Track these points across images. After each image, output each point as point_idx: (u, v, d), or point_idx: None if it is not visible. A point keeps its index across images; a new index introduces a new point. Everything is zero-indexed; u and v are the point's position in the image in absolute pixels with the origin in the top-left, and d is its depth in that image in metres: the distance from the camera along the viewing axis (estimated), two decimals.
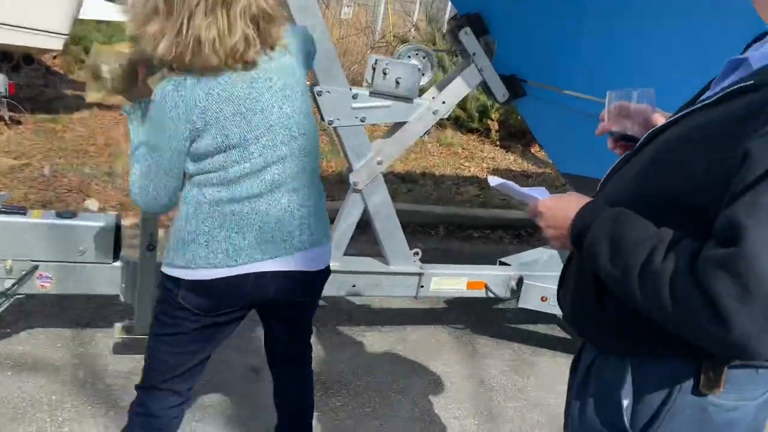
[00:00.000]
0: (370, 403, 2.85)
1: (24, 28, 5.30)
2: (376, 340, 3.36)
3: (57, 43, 5.56)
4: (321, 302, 3.48)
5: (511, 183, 1.36)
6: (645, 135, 1.25)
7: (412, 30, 11.93)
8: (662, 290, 0.99)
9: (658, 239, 1.03)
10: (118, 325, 2.64)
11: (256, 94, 1.61)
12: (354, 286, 3.01)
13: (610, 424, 1.20)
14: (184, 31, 1.51)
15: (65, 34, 5.52)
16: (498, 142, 8.08)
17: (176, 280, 1.69)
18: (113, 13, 6.07)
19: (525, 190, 1.33)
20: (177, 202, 1.70)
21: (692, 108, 1.14)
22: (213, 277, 1.65)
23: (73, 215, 2.52)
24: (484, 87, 2.95)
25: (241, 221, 1.65)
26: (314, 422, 2.28)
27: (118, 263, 2.60)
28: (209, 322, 1.72)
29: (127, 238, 3.03)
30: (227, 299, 1.70)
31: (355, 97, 2.69)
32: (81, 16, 5.74)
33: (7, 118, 5.47)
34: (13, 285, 2.47)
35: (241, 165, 1.63)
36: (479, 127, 8.24)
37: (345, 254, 3.00)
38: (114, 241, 2.56)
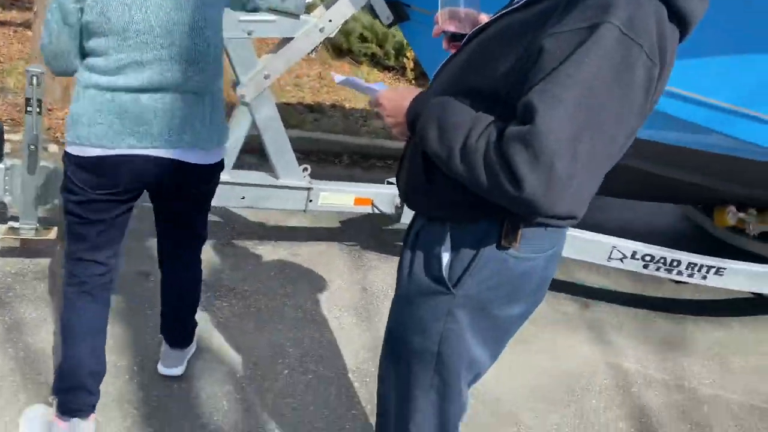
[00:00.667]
0: (256, 304, 3.05)
1: None
2: (267, 252, 3.54)
3: None
4: (215, 218, 3.63)
5: (354, 78, 1.55)
6: (467, 37, 1.47)
7: None
8: (477, 162, 1.20)
9: (474, 122, 1.24)
10: (3, 226, 2.69)
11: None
12: (243, 198, 3.16)
13: (434, 277, 1.44)
14: None
15: None
16: (413, 81, 8.26)
17: (68, 155, 1.87)
18: None
19: (367, 84, 1.52)
20: (72, 68, 1.86)
21: (505, 11, 1.36)
22: (91, 155, 1.82)
23: None
24: (370, 9, 3.10)
25: (119, 108, 1.79)
26: (198, 317, 2.47)
27: (1, 166, 2.63)
28: (93, 197, 1.87)
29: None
30: (105, 178, 1.85)
31: None
32: None
33: None
34: None
35: (118, 54, 1.77)
36: (395, 65, 8.36)
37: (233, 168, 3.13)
38: None
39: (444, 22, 1.54)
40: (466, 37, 1.45)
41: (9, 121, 4.30)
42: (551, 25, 1.19)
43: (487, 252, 1.37)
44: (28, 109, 2.50)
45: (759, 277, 3.60)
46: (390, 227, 4.17)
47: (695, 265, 3.47)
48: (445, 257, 1.41)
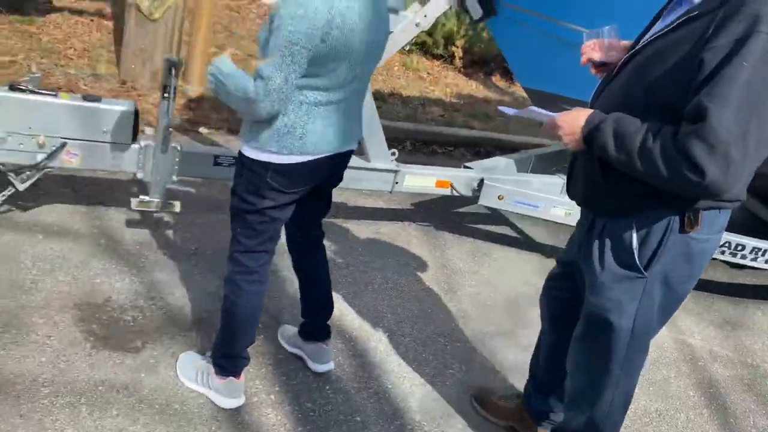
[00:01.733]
0: (351, 275, 3.34)
1: None
2: (354, 230, 3.82)
3: None
4: None
5: (529, 109, 1.85)
6: (623, 57, 1.74)
7: None
8: (657, 160, 1.48)
9: (647, 128, 1.52)
10: (134, 200, 3.00)
11: (376, 16, 1.91)
12: None
13: (627, 264, 1.72)
14: None
15: None
16: (461, 69, 8.45)
17: (265, 164, 1.99)
18: None
19: (541, 110, 1.79)
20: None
21: (656, 34, 1.62)
22: (298, 161, 1.99)
23: (98, 99, 2.84)
24: (461, 4, 3.33)
25: (331, 119, 1.99)
26: None
27: (136, 145, 2.94)
28: (287, 199, 2.09)
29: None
30: (305, 179, 2.07)
31: None
32: None
33: None
34: (45, 158, 2.80)
35: (336, 72, 1.90)
36: (444, 53, 8.57)
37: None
38: (133, 124, 2.89)
39: (590, 51, 1.83)
40: (622, 60, 1.71)
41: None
42: (707, 40, 1.44)
43: (672, 237, 1.64)
44: (165, 95, 2.80)
45: None
46: (458, 209, 4.43)
47: (759, 249, 3.65)
48: (635, 245, 1.68)
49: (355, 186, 3.55)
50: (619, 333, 1.78)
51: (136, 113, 2.91)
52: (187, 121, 4.79)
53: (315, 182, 2.12)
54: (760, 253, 3.67)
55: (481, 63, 8.56)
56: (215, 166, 3.15)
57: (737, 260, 3.73)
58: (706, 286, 4.13)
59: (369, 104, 3.33)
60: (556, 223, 3.79)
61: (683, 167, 1.43)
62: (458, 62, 8.43)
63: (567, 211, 3.66)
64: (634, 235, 1.68)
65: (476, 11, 3.35)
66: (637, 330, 1.78)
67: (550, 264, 3.95)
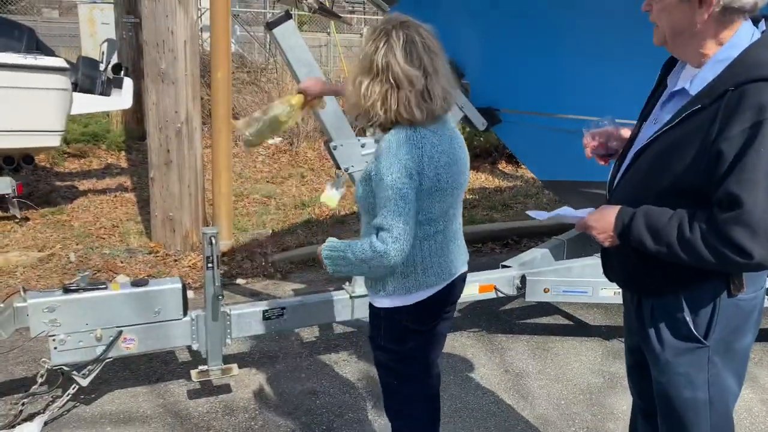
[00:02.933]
0: None
1: (23, 131, 5.70)
2: None
3: (54, 140, 5.95)
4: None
5: (559, 211, 1.92)
6: (630, 150, 1.82)
7: None
8: (700, 249, 1.55)
9: (679, 217, 1.60)
10: (194, 372, 3.03)
11: (456, 148, 2.03)
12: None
13: (686, 337, 1.74)
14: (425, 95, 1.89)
15: (61, 131, 5.92)
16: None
17: (398, 309, 2.04)
18: (99, 105, 6.48)
19: (574, 212, 1.87)
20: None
21: (663, 129, 1.69)
22: (427, 296, 2.04)
23: (145, 282, 2.94)
24: (466, 120, 3.49)
25: (445, 247, 2.06)
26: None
27: (187, 317, 3.01)
28: (428, 337, 2.14)
29: None
30: (437, 309, 2.11)
31: (363, 146, 3.20)
32: (72, 112, 6.14)
33: (19, 216, 5.83)
34: (104, 350, 2.86)
35: (438, 206, 1.99)
36: None
37: None
38: (182, 298, 2.98)
39: (592, 143, 1.97)
40: (633, 153, 1.79)
41: (148, 278, 4.78)
42: (717, 132, 1.53)
43: (723, 302, 1.70)
44: (209, 265, 2.91)
45: None
46: (505, 307, 4.40)
47: None
48: (689, 318, 1.72)
49: None
50: (697, 406, 1.78)
51: (184, 287, 3.00)
52: (223, 275, 4.90)
53: (444, 310, 2.15)
54: None
55: (484, 154, 8.80)
56: (265, 320, 3.20)
57: None
58: None
59: None
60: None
61: (729, 252, 1.52)
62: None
63: (615, 291, 3.63)
64: (686, 308, 1.72)
65: (480, 123, 3.51)
66: (715, 399, 1.77)
67: (612, 346, 3.92)
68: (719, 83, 1.57)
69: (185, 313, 3.01)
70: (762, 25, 1.66)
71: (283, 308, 3.22)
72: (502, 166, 8.62)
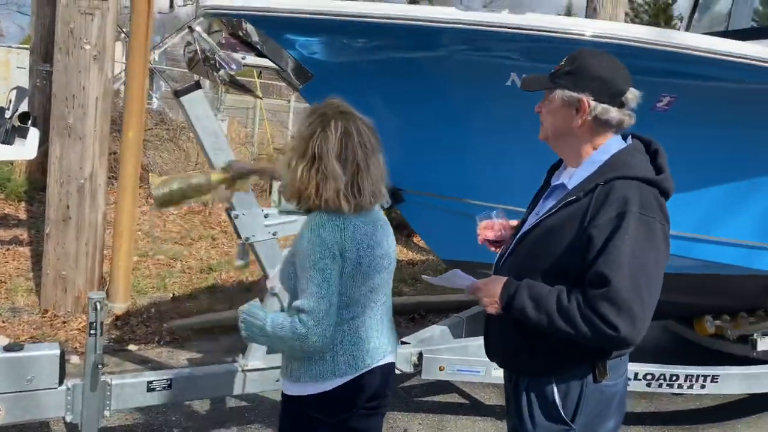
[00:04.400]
0: None
1: None
2: None
3: None
4: (246, 402, 3.79)
5: (449, 275, 1.99)
6: (516, 235, 2.00)
7: (290, 139, 12.69)
8: (576, 319, 1.69)
9: (558, 290, 1.74)
10: None
11: (380, 231, 1.98)
12: (277, 380, 3.38)
13: (555, 419, 1.84)
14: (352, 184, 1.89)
15: None
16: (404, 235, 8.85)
17: (303, 398, 1.94)
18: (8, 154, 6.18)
19: (463, 276, 1.95)
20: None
21: (543, 216, 1.88)
22: (339, 384, 1.92)
23: (20, 347, 2.76)
24: None
25: (359, 334, 1.95)
26: None
27: (63, 387, 2.83)
28: (342, 425, 1.97)
29: None
30: (352, 398, 1.96)
31: (266, 216, 3.21)
32: None
33: None
34: None
35: (360, 289, 1.92)
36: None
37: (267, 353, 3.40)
38: (59, 367, 2.81)
39: (485, 231, 2.13)
40: (514, 238, 1.96)
41: (28, 339, 4.48)
42: (588, 220, 1.73)
43: (589, 388, 1.83)
44: (92, 332, 2.77)
45: (751, 378, 3.93)
46: (404, 384, 4.40)
47: (692, 376, 3.79)
48: (558, 401, 1.83)
49: None
50: None
51: (62, 354, 2.84)
52: (114, 341, 4.67)
53: (363, 404, 2.00)
54: (694, 380, 3.80)
55: (400, 227, 8.96)
56: (149, 392, 3.05)
57: (675, 390, 3.84)
58: (654, 419, 4.19)
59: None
60: None
61: (599, 324, 1.66)
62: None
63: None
64: (556, 390, 1.83)
65: (385, 201, 3.60)
66: None
67: (503, 426, 3.95)
68: (591, 179, 1.81)
69: (61, 382, 2.83)
70: (629, 140, 1.92)
71: (169, 380, 3.09)
72: (417, 239, 8.80)
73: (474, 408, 4.19)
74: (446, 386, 4.41)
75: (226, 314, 5.33)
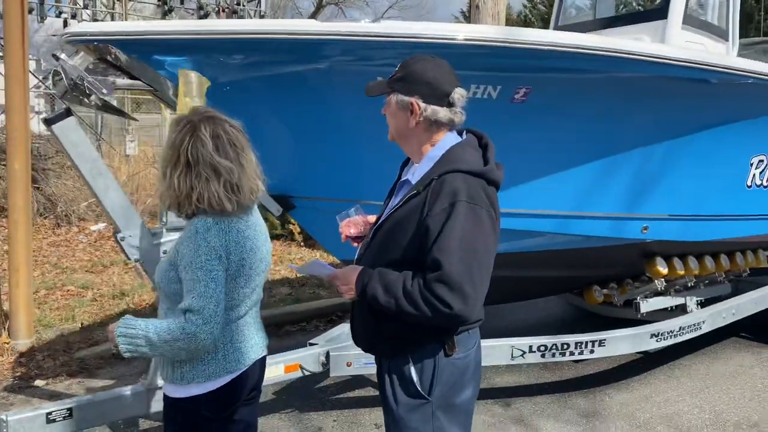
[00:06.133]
0: None
1: None
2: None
3: None
4: None
5: (311, 264, 2.14)
6: (372, 228, 2.16)
7: None
8: (418, 300, 1.85)
9: (404, 276, 1.91)
10: None
11: (259, 235, 2.09)
12: None
13: (413, 394, 2.00)
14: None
15: None
16: (302, 243, 8.89)
17: (194, 398, 1.99)
18: None
19: (325, 265, 2.12)
20: None
21: (393, 209, 2.06)
22: (228, 381, 2.03)
23: None
24: (261, 206, 3.66)
25: (244, 332, 2.08)
26: None
27: None
28: (229, 418, 2.06)
29: None
30: (238, 392, 2.07)
31: (154, 235, 3.24)
32: None
33: None
34: None
35: (244, 290, 2.03)
36: (283, 232, 9.01)
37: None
38: None
39: (346, 229, 2.27)
40: (371, 232, 2.12)
41: None
42: (426, 211, 1.91)
43: (442, 362, 1.99)
44: None
45: (636, 338, 4.27)
46: (320, 384, 4.51)
47: (581, 343, 4.08)
48: (415, 377, 1.99)
49: None
50: None
51: None
52: (20, 378, 4.55)
53: (244, 396, 2.11)
54: (584, 346, 4.09)
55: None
56: (49, 424, 3.03)
57: (568, 358, 4.12)
58: (558, 387, 4.48)
59: None
60: None
61: (436, 304, 1.84)
62: (298, 236, 8.86)
63: None
64: (412, 368, 1.99)
65: (275, 209, 3.70)
66: None
67: None
68: (429, 174, 1.99)
69: None
70: (464, 135, 2.11)
71: (69, 409, 3.07)
72: None
73: None
74: (360, 381, 4.54)
75: None
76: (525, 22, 24.71)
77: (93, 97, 2.99)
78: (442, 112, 1.99)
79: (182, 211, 2.02)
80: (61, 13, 17.33)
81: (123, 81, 3.10)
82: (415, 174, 2.05)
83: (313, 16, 27.61)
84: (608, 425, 3.95)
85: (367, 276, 1.97)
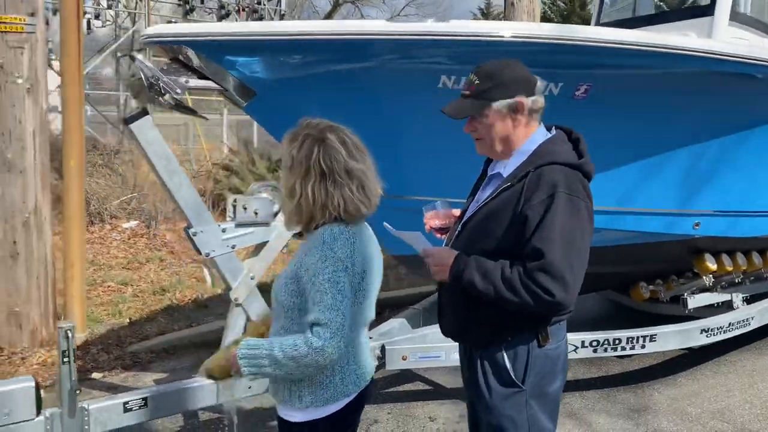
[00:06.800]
0: None
1: None
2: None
3: None
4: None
5: (411, 233, 2.13)
6: (459, 221, 2.21)
7: (227, 153, 12.66)
8: (518, 288, 1.91)
9: (502, 263, 1.96)
10: None
11: (374, 249, 2.02)
12: (250, 387, 3.51)
13: (508, 383, 2.05)
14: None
15: None
16: None
17: (312, 423, 1.93)
18: None
19: (420, 238, 2.12)
20: None
21: (484, 202, 2.11)
22: (346, 403, 1.96)
23: None
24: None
25: (359, 353, 2.01)
26: None
27: (41, 417, 2.88)
28: None
29: None
30: (353, 415, 2.04)
31: (224, 230, 3.33)
32: None
33: None
34: None
35: (362, 305, 1.97)
36: None
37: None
38: (35, 397, 2.85)
39: (431, 221, 2.33)
40: (461, 223, 2.17)
41: None
42: (522, 202, 1.97)
43: (535, 352, 2.05)
44: (64, 360, 2.83)
45: (684, 334, 4.31)
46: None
47: (633, 338, 4.13)
48: (509, 366, 2.05)
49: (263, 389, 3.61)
50: None
51: (37, 385, 2.88)
52: (78, 371, 4.64)
53: (357, 418, 2.08)
54: (635, 341, 4.14)
55: None
56: (126, 413, 3.12)
57: (619, 353, 4.17)
58: (606, 382, 4.52)
59: (263, 307, 3.53)
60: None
61: (538, 292, 1.89)
62: None
63: None
64: (506, 357, 2.06)
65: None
66: None
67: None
68: (522, 167, 2.05)
69: (38, 413, 2.88)
70: (553, 131, 2.17)
71: (144, 398, 3.17)
72: None
73: (438, 392, 4.41)
74: (410, 376, 4.62)
75: (186, 332, 5.39)
76: (544, 18, 24.65)
77: (167, 97, 3.07)
78: (540, 100, 2.09)
79: (313, 224, 1.96)
80: (85, 13, 17.54)
81: (195, 81, 3.18)
82: (506, 168, 2.11)
83: (330, 14, 27.69)
84: (660, 420, 3.99)
85: (462, 262, 2.01)
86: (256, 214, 3.40)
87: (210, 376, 2.11)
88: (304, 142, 1.95)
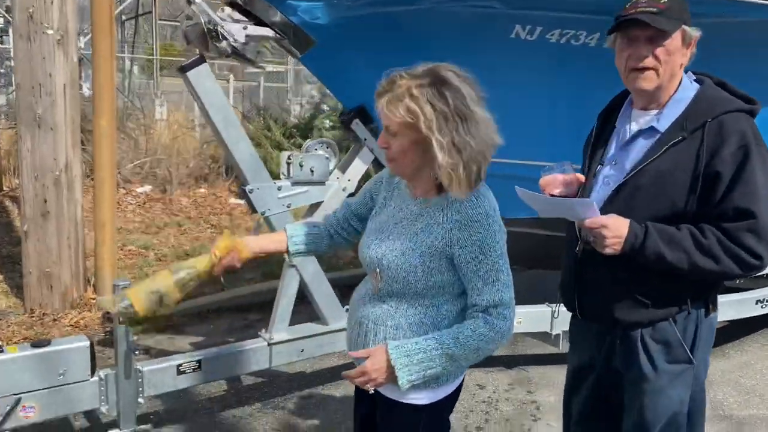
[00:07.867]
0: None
1: None
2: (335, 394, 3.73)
3: None
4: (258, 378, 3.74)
5: (565, 200, 1.90)
6: (614, 187, 1.87)
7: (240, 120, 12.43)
8: (718, 253, 1.71)
9: (688, 228, 1.74)
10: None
11: None
12: (302, 350, 3.40)
13: (679, 360, 1.85)
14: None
15: None
16: None
17: (441, 402, 1.75)
18: None
19: (589, 207, 1.79)
20: None
21: (648, 161, 1.81)
22: (461, 380, 1.83)
23: (47, 343, 2.67)
24: (377, 163, 3.57)
25: None
26: None
27: (95, 378, 2.77)
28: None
29: None
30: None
31: (279, 188, 3.17)
32: None
33: None
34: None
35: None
36: None
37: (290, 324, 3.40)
38: (90, 357, 2.74)
39: (551, 188, 1.99)
40: (615, 188, 1.87)
41: (22, 341, 4.31)
42: (707, 157, 1.74)
43: (703, 323, 1.87)
44: (121, 320, 2.71)
45: (741, 304, 4.20)
46: None
47: None
48: (681, 340, 1.85)
49: (319, 353, 3.51)
50: (683, 421, 1.91)
51: (91, 345, 2.76)
52: (111, 333, 4.54)
53: None
54: None
55: None
56: (180, 375, 3.02)
57: None
58: None
59: (317, 271, 3.40)
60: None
61: (742, 255, 1.71)
62: None
63: (518, 320, 3.83)
64: (676, 332, 1.85)
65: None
66: (693, 413, 1.92)
67: (518, 374, 4.07)
68: (690, 117, 1.78)
69: (93, 373, 2.76)
70: (692, 76, 1.89)
71: (198, 361, 3.06)
72: None
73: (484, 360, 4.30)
74: None
75: (217, 296, 5.27)
76: None
77: (224, 43, 2.89)
78: (696, 31, 1.79)
79: (471, 175, 1.61)
80: None
81: (253, 28, 2.99)
82: (661, 121, 1.83)
83: None
84: (715, 391, 3.89)
85: (640, 230, 1.75)
86: (312, 172, 3.25)
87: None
88: (425, 84, 1.60)
